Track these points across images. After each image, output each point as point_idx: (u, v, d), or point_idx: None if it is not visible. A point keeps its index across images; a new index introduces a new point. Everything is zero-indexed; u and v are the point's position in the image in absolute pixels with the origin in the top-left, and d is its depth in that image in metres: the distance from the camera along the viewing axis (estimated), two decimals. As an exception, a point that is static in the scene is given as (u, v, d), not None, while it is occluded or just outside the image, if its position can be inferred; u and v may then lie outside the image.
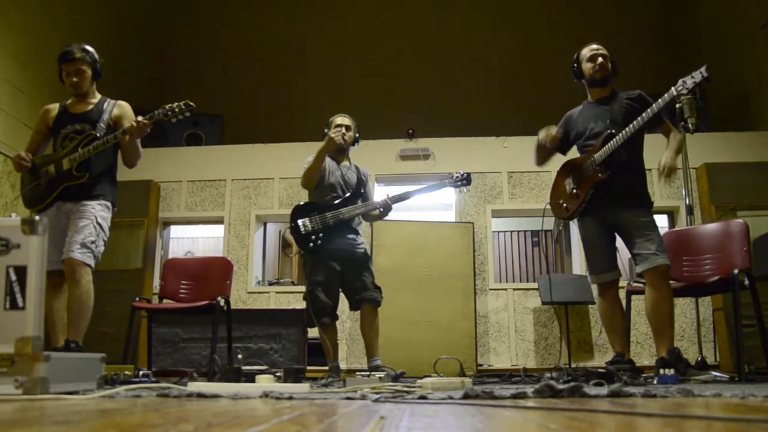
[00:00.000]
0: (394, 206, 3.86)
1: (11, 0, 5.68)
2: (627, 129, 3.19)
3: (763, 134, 6.34)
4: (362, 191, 3.93)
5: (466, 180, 3.99)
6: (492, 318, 6.20)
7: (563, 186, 3.51)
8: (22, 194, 3.49)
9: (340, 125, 3.94)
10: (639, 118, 3.17)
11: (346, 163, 4.00)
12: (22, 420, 1.20)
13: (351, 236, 3.82)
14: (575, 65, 3.52)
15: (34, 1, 6.01)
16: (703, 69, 3.01)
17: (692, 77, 3.05)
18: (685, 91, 3.06)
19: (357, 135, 4.03)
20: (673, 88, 3.11)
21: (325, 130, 3.99)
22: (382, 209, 3.85)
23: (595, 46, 3.47)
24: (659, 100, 3.14)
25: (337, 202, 3.81)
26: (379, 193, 5.93)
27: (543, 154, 3.67)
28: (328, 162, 3.93)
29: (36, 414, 1.34)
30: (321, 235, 3.72)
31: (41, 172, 3.40)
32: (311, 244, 3.72)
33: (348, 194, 3.86)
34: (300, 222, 3.76)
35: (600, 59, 3.41)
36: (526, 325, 6.18)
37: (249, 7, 8.61)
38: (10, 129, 5.59)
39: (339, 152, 3.97)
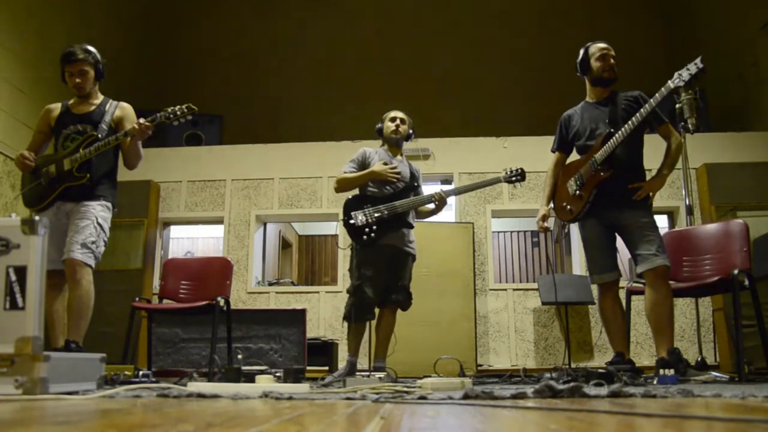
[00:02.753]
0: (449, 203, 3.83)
1: (10, 0, 5.67)
2: (626, 126, 3.19)
3: (763, 134, 6.34)
4: (416, 184, 3.88)
5: (520, 176, 3.90)
6: (492, 318, 6.20)
7: (565, 189, 3.51)
8: (22, 194, 3.49)
9: (394, 118, 3.91)
10: (638, 114, 3.17)
11: (399, 156, 3.95)
12: (22, 420, 1.20)
13: (405, 231, 3.76)
14: (582, 59, 3.48)
15: (33, 0, 6.01)
16: (698, 60, 3.00)
17: (687, 69, 3.04)
18: (681, 84, 3.05)
19: (411, 131, 3.98)
20: (669, 81, 3.11)
21: (379, 125, 3.95)
22: (437, 202, 3.79)
23: (606, 45, 3.44)
24: (656, 95, 3.14)
25: (391, 194, 3.75)
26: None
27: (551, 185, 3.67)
28: (381, 154, 3.89)
29: (36, 414, 1.34)
30: (375, 228, 3.65)
31: (42, 172, 3.40)
32: (365, 237, 3.64)
33: (402, 186, 3.80)
34: (354, 214, 3.68)
35: (612, 61, 3.41)
36: (526, 325, 6.18)
37: (249, 7, 8.61)
38: (10, 129, 5.59)
39: (394, 145, 3.93)
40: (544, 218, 3.59)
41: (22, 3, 5.83)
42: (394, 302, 3.74)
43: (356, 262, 3.72)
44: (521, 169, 3.92)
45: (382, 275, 3.70)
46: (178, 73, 8.34)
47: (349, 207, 3.72)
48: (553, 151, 3.68)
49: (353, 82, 8.13)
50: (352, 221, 3.67)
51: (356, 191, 3.87)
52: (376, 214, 3.67)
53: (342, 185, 3.83)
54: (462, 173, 6.60)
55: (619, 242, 3.39)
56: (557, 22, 8.21)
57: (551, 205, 3.63)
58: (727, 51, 6.95)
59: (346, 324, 3.75)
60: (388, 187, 3.78)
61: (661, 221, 6.38)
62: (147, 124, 3.35)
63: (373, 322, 3.82)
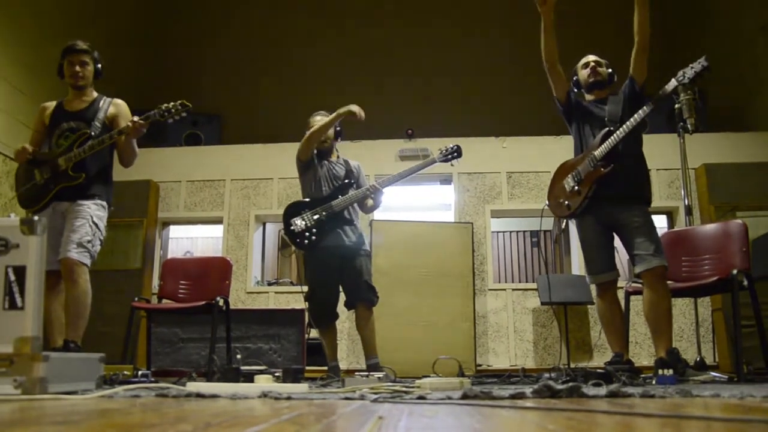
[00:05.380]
0: (386, 193, 3.81)
1: (8, 0, 5.67)
2: (628, 123, 3.22)
3: (763, 135, 6.34)
4: (352, 182, 3.87)
5: (456, 152, 3.88)
6: (491, 318, 6.20)
7: (562, 186, 3.51)
8: (18, 194, 3.48)
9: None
10: (640, 111, 3.20)
11: (333, 158, 3.96)
12: (21, 420, 1.20)
13: (346, 228, 3.76)
14: (574, 77, 3.60)
15: (31, 1, 6.00)
16: (702, 59, 3.05)
17: (692, 67, 3.10)
18: (686, 81, 3.09)
19: (339, 129, 3.96)
20: (673, 78, 3.14)
21: (306, 132, 3.89)
22: (372, 195, 3.80)
23: (591, 57, 3.56)
24: (660, 92, 3.18)
25: (328, 194, 3.77)
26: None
27: (548, 35, 3.51)
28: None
29: (35, 414, 1.34)
30: (315, 231, 3.68)
31: (36, 172, 3.39)
32: (306, 242, 3.68)
33: (337, 186, 3.81)
34: (292, 221, 3.72)
35: (592, 64, 3.51)
36: (525, 325, 6.18)
37: (248, 7, 8.60)
38: (9, 129, 5.59)
39: (323, 150, 3.92)
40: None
41: (21, 4, 5.83)
42: (362, 300, 3.76)
43: (307, 268, 3.79)
44: (456, 145, 3.90)
45: (335, 277, 3.74)
46: (177, 73, 8.33)
47: (288, 215, 3.76)
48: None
49: (353, 82, 8.11)
50: (291, 228, 3.71)
51: (295, 198, 3.92)
52: (314, 217, 3.70)
53: (311, 137, 3.75)
54: (461, 173, 6.60)
55: (618, 242, 3.40)
56: (558, 22, 8.20)
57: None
58: (727, 51, 6.95)
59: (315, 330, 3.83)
60: (325, 188, 3.80)
61: (660, 221, 6.38)
62: (141, 122, 3.36)
63: (352, 326, 3.87)
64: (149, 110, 3.42)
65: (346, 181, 3.85)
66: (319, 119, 3.88)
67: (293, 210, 3.77)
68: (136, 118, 3.37)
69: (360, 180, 3.95)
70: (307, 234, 3.69)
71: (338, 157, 3.98)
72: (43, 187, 3.37)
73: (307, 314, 3.82)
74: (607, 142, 3.27)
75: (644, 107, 3.21)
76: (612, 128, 3.28)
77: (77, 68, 3.46)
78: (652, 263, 3.12)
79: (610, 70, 3.53)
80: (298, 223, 3.71)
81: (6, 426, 1.06)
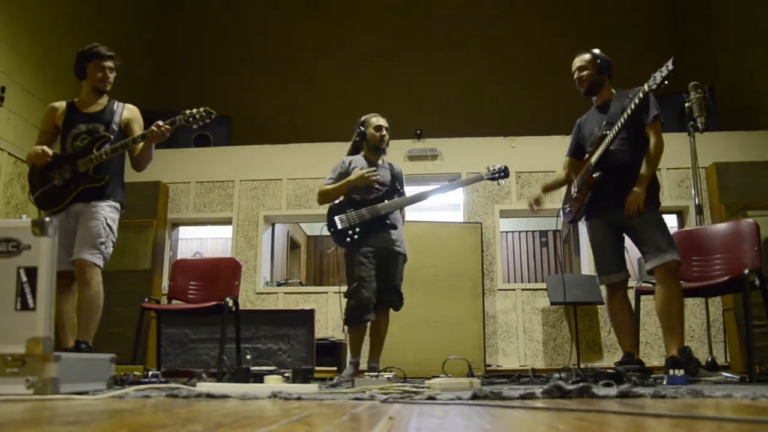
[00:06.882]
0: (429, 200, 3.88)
1: (19, 3, 5.71)
2: (615, 127, 3.20)
3: (774, 133, 6.30)
4: (398, 187, 3.91)
5: (503, 172, 3.97)
6: (500, 318, 6.18)
7: (569, 191, 3.55)
8: (36, 197, 3.45)
9: (380, 127, 3.90)
10: (624, 114, 3.17)
11: (379, 161, 3.97)
12: (33, 420, 1.21)
13: (391, 231, 3.79)
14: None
15: (42, 3, 6.05)
16: (669, 62, 3.03)
17: (660, 72, 3.06)
18: (654, 86, 3.07)
19: (388, 137, 3.99)
20: (645, 84, 3.12)
21: (361, 129, 3.94)
22: (418, 203, 3.84)
23: (576, 64, 3.49)
24: (635, 98, 3.14)
25: (374, 199, 3.78)
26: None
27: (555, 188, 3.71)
28: (360, 163, 3.90)
29: (47, 414, 1.35)
30: (358, 229, 3.69)
31: (54, 173, 3.40)
32: (348, 239, 3.69)
33: (383, 191, 3.83)
34: (336, 218, 3.73)
35: (576, 74, 3.47)
36: (534, 325, 6.16)
37: (257, 8, 8.63)
38: (20, 131, 5.63)
39: (374, 152, 3.93)
40: (537, 200, 3.67)
41: (32, 6, 5.87)
42: (386, 303, 3.77)
43: (350, 266, 3.77)
44: (504, 166, 3.98)
45: (376, 276, 3.73)
46: (187, 74, 8.37)
47: (333, 213, 3.78)
48: (566, 156, 3.66)
49: (362, 83, 8.13)
50: (334, 225, 3.73)
51: (341, 198, 3.90)
52: (358, 217, 3.71)
53: (323, 197, 3.88)
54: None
55: (628, 243, 3.38)
56: (565, 21, 8.18)
57: (547, 194, 3.72)
58: (738, 50, 6.91)
59: (346, 327, 3.78)
60: (373, 190, 3.79)
61: (671, 221, 6.35)
62: (167, 126, 3.36)
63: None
64: (160, 111, 3.44)
65: (396, 186, 3.89)
66: (378, 122, 3.91)
67: (338, 209, 3.79)
68: (160, 123, 3.37)
69: (402, 186, 3.99)
70: (349, 232, 3.70)
71: (383, 161, 3.99)
72: (63, 188, 3.37)
73: (345, 311, 3.76)
74: (600, 147, 3.26)
75: (624, 115, 3.17)
76: (606, 132, 3.26)
77: (108, 73, 3.47)
78: (664, 258, 3.10)
79: (598, 62, 3.40)
80: (342, 220, 3.72)
81: (18, 426, 1.07)
